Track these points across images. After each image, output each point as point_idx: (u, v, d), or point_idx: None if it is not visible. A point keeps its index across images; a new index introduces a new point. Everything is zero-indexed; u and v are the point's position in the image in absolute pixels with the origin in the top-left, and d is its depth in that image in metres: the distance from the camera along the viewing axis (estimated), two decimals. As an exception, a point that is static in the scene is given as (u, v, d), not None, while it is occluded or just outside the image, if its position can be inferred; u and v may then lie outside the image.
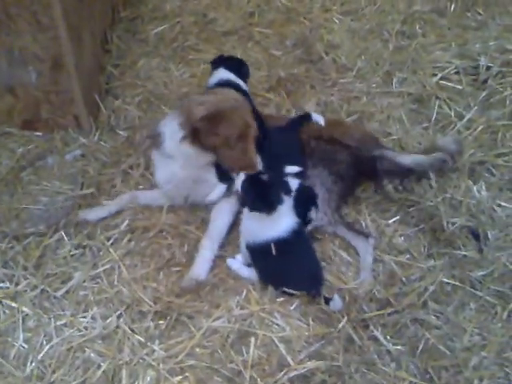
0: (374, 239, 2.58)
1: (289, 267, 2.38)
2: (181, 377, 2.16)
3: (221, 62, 3.00)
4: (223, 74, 2.92)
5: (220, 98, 2.55)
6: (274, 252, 2.32)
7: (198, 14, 3.78)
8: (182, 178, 2.60)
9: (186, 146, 2.49)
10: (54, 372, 2.18)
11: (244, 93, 2.84)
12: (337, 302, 2.32)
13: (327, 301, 2.33)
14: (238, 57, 3.23)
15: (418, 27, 3.59)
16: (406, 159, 2.70)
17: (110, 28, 3.58)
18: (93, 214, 2.70)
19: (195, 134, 2.46)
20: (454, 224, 2.63)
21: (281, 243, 2.34)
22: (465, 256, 2.55)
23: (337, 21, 3.68)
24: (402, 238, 2.64)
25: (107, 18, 3.58)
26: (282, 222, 2.36)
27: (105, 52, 3.47)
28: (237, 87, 2.82)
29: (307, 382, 2.15)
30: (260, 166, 2.54)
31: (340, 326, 2.27)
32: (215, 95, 2.59)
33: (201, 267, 2.47)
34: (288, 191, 2.40)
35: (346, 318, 2.29)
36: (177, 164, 2.57)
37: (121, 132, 3.09)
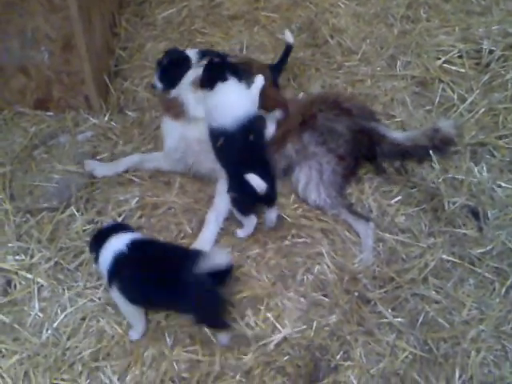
0: (374, 223, 2.63)
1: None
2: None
3: None
4: None
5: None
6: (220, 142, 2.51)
7: (205, -2, 3.82)
8: (192, 140, 2.70)
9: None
10: (68, 339, 2.28)
11: None
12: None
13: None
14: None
15: (422, 12, 3.62)
16: (399, 135, 2.81)
17: (118, 12, 3.61)
18: (99, 170, 2.81)
19: None
20: (454, 203, 2.69)
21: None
22: (465, 234, 2.62)
23: (342, 5, 3.70)
24: (404, 217, 2.70)
25: (115, 2, 3.61)
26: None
27: (113, 35, 3.51)
28: None
29: (308, 349, 2.25)
30: None
31: (338, 296, 2.38)
32: None
33: (206, 239, 2.54)
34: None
35: (340, 288, 2.41)
36: (189, 127, 2.68)
37: (130, 113, 3.14)
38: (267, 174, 2.46)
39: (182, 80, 2.78)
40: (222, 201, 2.64)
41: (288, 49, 3.12)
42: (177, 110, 2.72)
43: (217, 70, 2.59)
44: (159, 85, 2.88)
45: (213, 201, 2.68)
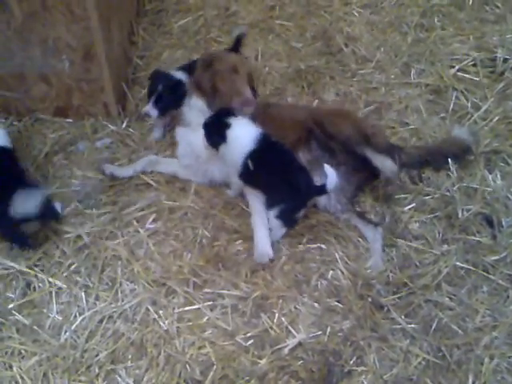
0: (382, 228, 2.64)
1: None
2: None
3: None
4: None
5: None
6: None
7: (220, 7, 3.86)
8: (200, 147, 2.73)
9: (195, 99, 2.78)
10: (86, 341, 2.33)
11: None
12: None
13: None
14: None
15: (436, 20, 3.66)
16: (379, 163, 2.67)
17: (136, 21, 3.69)
18: (119, 172, 2.89)
19: (197, 83, 2.77)
20: (468, 211, 2.71)
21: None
22: (479, 242, 2.63)
23: (356, 14, 3.76)
24: (418, 224, 2.72)
25: (133, 11, 3.70)
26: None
27: (131, 44, 3.58)
28: None
29: (322, 354, 2.28)
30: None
31: (352, 301, 2.40)
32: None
33: (264, 244, 2.56)
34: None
35: (354, 293, 2.43)
36: (196, 134, 2.71)
37: (147, 120, 3.19)
38: (308, 176, 2.52)
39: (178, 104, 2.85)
40: (257, 201, 2.65)
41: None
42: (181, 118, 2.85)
43: (218, 124, 2.59)
44: (155, 112, 2.88)
45: (249, 204, 2.70)
